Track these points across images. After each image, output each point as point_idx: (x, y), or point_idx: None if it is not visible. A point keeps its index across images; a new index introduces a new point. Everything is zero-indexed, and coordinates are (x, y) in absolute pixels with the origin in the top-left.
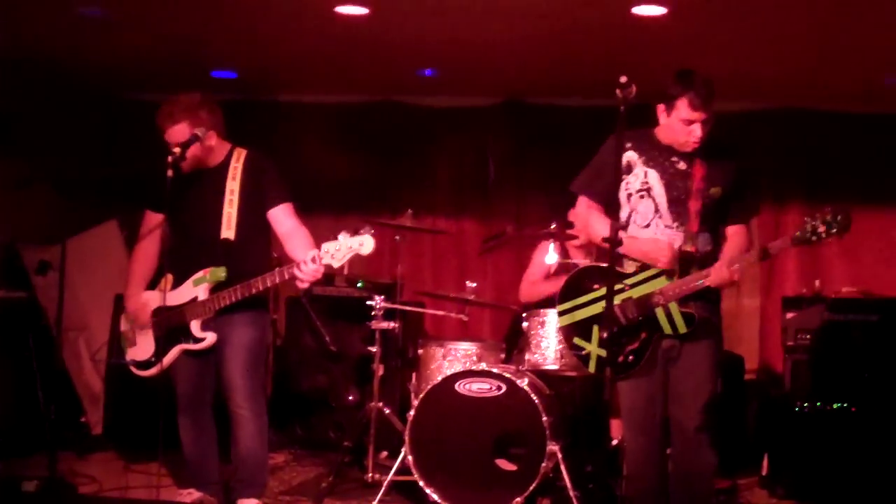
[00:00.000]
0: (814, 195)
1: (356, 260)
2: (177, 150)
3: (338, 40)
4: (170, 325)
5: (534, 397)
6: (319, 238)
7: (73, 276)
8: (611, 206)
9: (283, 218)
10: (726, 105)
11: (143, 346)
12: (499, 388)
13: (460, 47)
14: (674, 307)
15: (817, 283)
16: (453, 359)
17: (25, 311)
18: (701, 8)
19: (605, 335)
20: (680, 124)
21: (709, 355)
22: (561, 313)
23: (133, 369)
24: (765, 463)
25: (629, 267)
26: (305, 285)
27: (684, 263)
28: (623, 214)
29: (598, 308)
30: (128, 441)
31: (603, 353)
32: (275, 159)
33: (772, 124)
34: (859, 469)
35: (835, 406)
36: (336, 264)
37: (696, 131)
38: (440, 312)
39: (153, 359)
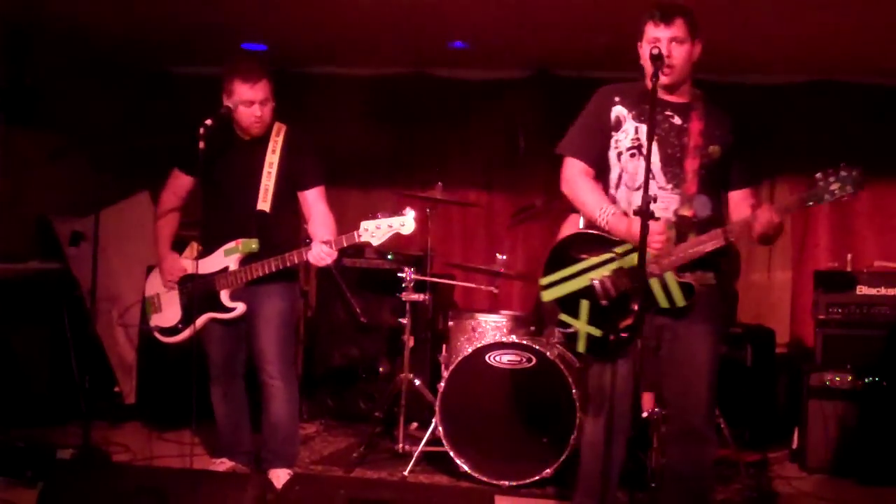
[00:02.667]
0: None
1: (395, 236)
2: (209, 121)
3: (368, 12)
4: (198, 294)
5: (564, 370)
6: (349, 210)
7: (106, 248)
8: (603, 169)
9: (314, 201)
10: (760, 78)
11: (168, 313)
12: (529, 360)
13: (491, 19)
14: (670, 277)
15: (849, 256)
16: (483, 331)
17: (59, 282)
18: None
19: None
20: (646, 48)
21: (708, 339)
22: (545, 286)
23: (157, 335)
24: (795, 437)
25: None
26: (318, 263)
27: (681, 228)
28: (613, 176)
29: (587, 280)
30: (160, 410)
31: (594, 330)
32: (312, 136)
33: (807, 97)
34: (890, 444)
35: (866, 380)
36: (376, 242)
37: (663, 47)
38: (470, 285)
39: (179, 325)
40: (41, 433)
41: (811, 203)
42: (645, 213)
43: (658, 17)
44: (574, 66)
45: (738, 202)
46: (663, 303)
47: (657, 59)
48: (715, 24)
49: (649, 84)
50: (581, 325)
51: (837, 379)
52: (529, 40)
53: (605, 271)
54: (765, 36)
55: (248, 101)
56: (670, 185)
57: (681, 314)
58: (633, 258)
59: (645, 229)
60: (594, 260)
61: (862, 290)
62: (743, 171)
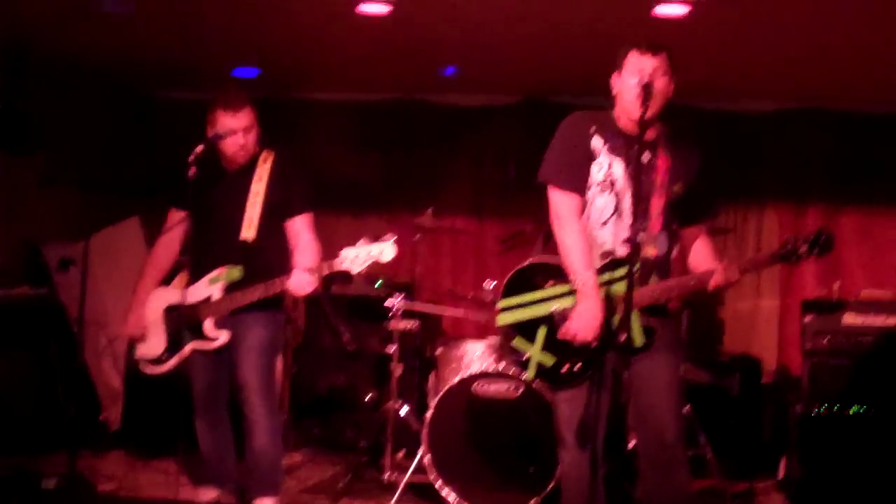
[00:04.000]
0: (834, 196)
1: (375, 263)
2: (199, 148)
3: (359, 38)
4: (182, 323)
5: (550, 400)
6: (339, 237)
7: (95, 273)
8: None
9: (300, 229)
10: (749, 105)
11: (153, 343)
12: (516, 389)
13: (481, 46)
14: (634, 316)
15: (837, 285)
16: (471, 359)
17: (47, 309)
18: (722, 7)
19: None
20: (631, 78)
21: (671, 364)
22: (503, 309)
23: (142, 367)
24: (782, 466)
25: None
26: (295, 291)
27: (645, 269)
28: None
29: (546, 309)
30: (145, 439)
31: (547, 358)
32: (300, 161)
33: (795, 124)
34: (877, 474)
35: (853, 410)
36: (355, 270)
37: (647, 73)
38: (459, 313)
39: (164, 356)
40: (26, 461)
41: (779, 262)
42: (635, 247)
43: (645, 46)
44: (565, 93)
45: (697, 238)
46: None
47: (648, 88)
48: (705, 52)
49: (622, 117)
50: (534, 352)
51: (824, 408)
52: (520, 67)
53: (568, 302)
54: (753, 64)
55: (231, 130)
56: (636, 224)
57: (644, 350)
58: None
59: (635, 259)
60: (558, 290)
61: (849, 318)
62: (700, 206)
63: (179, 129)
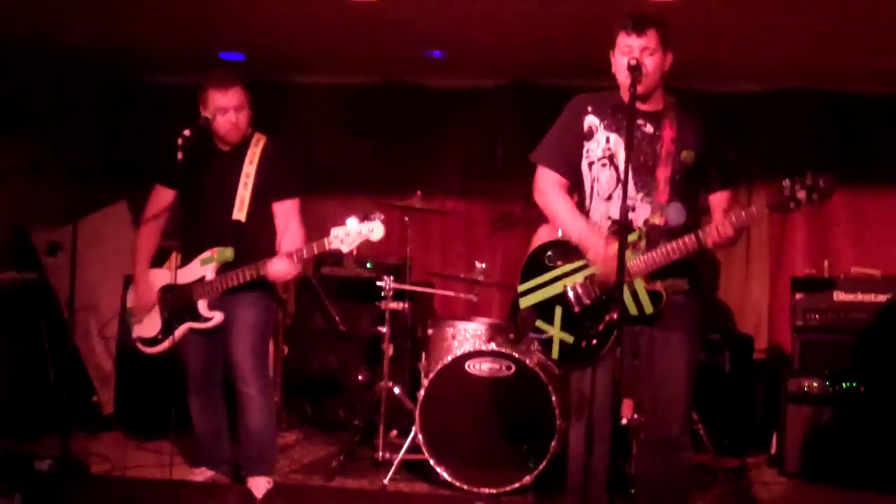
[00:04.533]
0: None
1: (365, 242)
2: (187, 132)
3: (346, 21)
4: (177, 304)
5: (543, 377)
6: (328, 220)
7: (83, 257)
8: (579, 180)
9: (287, 213)
10: (737, 85)
11: (149, 324)
12: (508, 367)
13: (468, 28)
14: (639, 284)
15: (826, 263)
16: (462, 339)
17: (36, 293)
18: None
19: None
20: (621, 58)
21: (684, 350)
22: (522, 293)
23: (139, 346)
24: (773, 442)
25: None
26: (274, 277)
27: (652, 237)
28: (587, 185)
29: (560, 287)
30: (139, 420)
31: (567, 336)
32: (289, 147)
33: (782, 105)
34: (868, 449)
35: (843, 386)
36: (345, 249)
37: (634, 53)
38: (449, 293)
39: (160, 336)
40: (18, 444)
41: (775, 211)
42: (623, 224)
43: (630, 26)
44: (552, 75)
45: (717, 204)
46: (633, 311)
47: (635, 70)
48: (691, 33)
49: (623, 94)
50: (555, 332)
51: (815, 384)
52: (507, 49)
53: (579, 278)
54: (741, 44)
55: (223, 108)
56: (640, 195)
57: (656, 321)
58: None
59: (624, 237)
60: (568, 267)
61: (839, 295)
62: (718, 174)
63: (166, 114)
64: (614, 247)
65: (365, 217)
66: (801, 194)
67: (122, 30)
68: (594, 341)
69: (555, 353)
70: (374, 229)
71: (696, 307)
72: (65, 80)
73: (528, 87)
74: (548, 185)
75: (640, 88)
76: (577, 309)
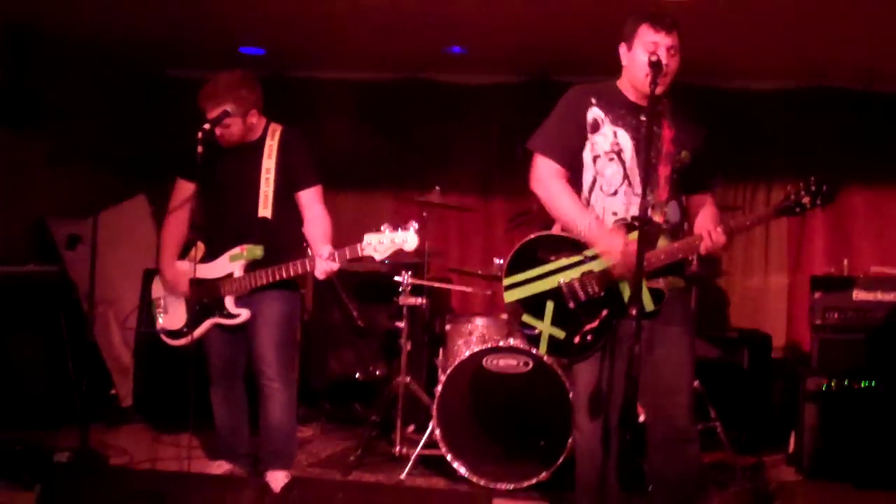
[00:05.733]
0: (841, 173)
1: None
2: (206, 126)
3: (366, 17)
4: (204, 298)
5: (560, 374)
6: (346, 215)
7: (103, 250)
8: (576, 171)
9: (310, 201)
10: (756, 83)
11: (175, 316)
12: (526, 364)
13: (488, 25)
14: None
15: (846, 261)
16: (480, 335)
17: (56, 285)
18: None
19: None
20: (643, 54)
21: (684, 341)
22: (508, 287)
23: (163, 337)
24: (791, 440)
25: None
26: (322, 277)
27: (653, 235)
28: (587, 178)
29: (553, 282)
30: (157, 413)
31: (557, 332)
32: (307, 137)
33: (803, 102)
34: (887, 448)
35: (862, 384)
36: (378, 258)
37: (662, 55)
38: (467, 289)
39: (185, 329)
40: (38, 436)
41: (781, 216)
42: (643, 220)
43: (660, 23)
44: (572, 72)
45: (701, 205)
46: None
47: (657, 67)
48: (710, 31)
49: (625, 89)
50: (544, 327)
51: (833, 383)
52: (527, 45)
53: (575, 273)
54: (758, 42)
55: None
56: (645, 192)
57: (654, 317)
58: (603, 262)
59: (644, 236)
60: (563, 262)
61: (858, 294)
62: (706, 175)
63: (187, 108)
64: (631, 241)
65: (399, 225)
66: (806, 199)
67: (143, 23)
68: (588, 337)
69: (543, 349)
70: (409, 240)
71: (689, 300)
72: (86, 74)
73: (548, 84)
74: (548, 175)
75: (661, 88)
76: (571, 304)
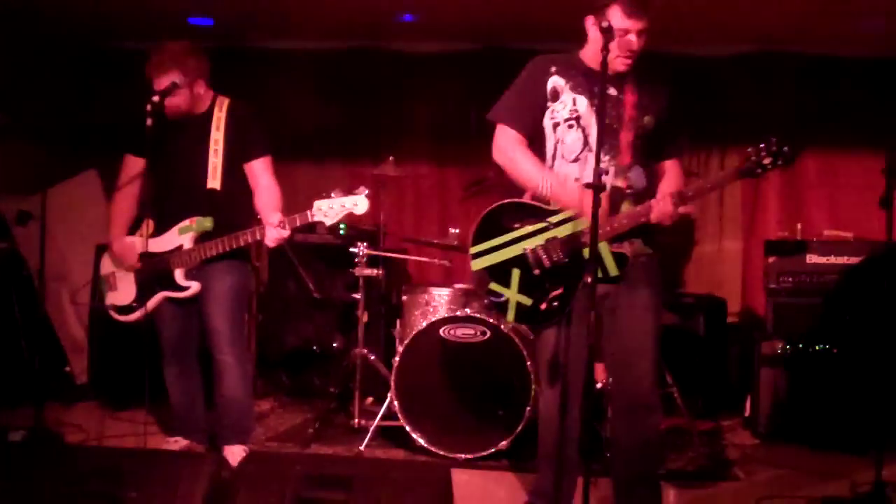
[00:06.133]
0: (795, 138)
1: (349, 215)
2: (155, 98)
3: None
4: (153, 272)
5: (518, 342)
6: (300, 186)
7: (54, 226)
8: (536, 139)
9: (259, 172)
10: (710, 48)
11: (124, 291)
12: (483, 333)
13: None
14: (604, 247)
15: (799, 226)
16: (437, 305)
17: (7, 262)
18: None
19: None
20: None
21: (649, 306)
22: (475, 255)
23: (113, 314)
24: (747, 404)
25: (554, 203)
26: (272, 244)
27: (615, 200)
28: (549, 146)
29: (518, 250)
30: (113, 390)
31: (524, 299)
32: (255, 108)
33: (755, 67)
34: (841, 410)
35: (817, 348)
36: (329, 222)
37: (632, 42)
38: (423, 259)
39: (134, 304)
40: None
41: (743, 177)
42: (597, 186)
43: (633, 9)
44: (526, 39)
45: (668, 171)
46: (597, 273)
47: (608, 31)
48: None
49: (587, 58)
50: (511, 294)
51: (788, 347)
52: (479, 12)
53: (539, 240)
54: (713, 7)
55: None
56: (606, 157)
57: (620, 282)
58: (567, 227)
59: (597, 202)
60: (528, 229)
61: (812, 258)
62: (672, 141)
63: (134, 81)
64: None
65: (349, 190)
66: (767, 160)
67: None
68: (555, 303)
69: (510, 317)
70: (359, 203)
71: (657, 266)
72: (32, 47)
73: (502, 52)
74: (508, 143)
75: (625, 67)
76: (536, 271)
